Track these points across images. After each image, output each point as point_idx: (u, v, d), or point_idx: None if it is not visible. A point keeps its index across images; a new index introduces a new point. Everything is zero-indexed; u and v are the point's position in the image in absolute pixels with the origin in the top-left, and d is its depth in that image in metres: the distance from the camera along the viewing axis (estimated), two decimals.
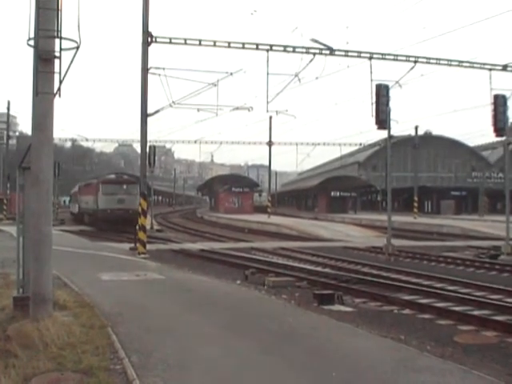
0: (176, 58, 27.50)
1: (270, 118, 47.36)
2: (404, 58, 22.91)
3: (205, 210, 77.00)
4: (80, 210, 46.39)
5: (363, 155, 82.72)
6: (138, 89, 20.83)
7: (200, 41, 21.41)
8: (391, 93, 21.43)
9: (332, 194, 63.99)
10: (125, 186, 38.24)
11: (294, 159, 74.14)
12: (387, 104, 20.96)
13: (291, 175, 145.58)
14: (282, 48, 21.79)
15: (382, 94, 21.07)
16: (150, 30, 20.63)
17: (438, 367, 6.45)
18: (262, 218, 47.77)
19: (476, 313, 11.00)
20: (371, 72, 22.15)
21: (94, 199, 38.86)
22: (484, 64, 23.78)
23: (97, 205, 37.98)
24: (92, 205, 39.43)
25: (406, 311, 11.47)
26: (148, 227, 25.45)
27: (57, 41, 7.95)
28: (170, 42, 21.06)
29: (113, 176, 41.96)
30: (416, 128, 52.01)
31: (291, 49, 21.80)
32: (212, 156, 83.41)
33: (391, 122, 21.64)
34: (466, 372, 6.34)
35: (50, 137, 8.20)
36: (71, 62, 7.95)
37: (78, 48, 7.93)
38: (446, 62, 23.46)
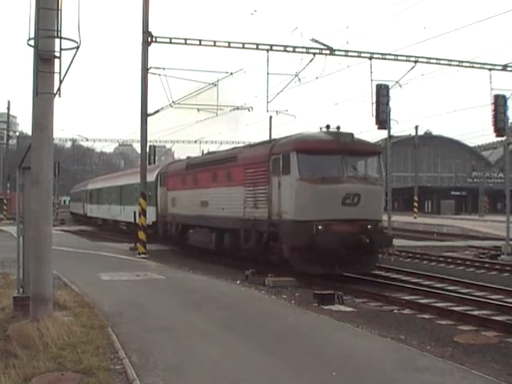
0: (176, 58, 27.65)
1: (270, 117, 47.07)
2: (404, 58, 22.87)
3: None
4: (171, 218, 24.08)
5: None
6: (138, 89, 20.89)
7: (200, 41, 21.40)
8: (391, 93, 21.49)
9: None
10: (350, 160, 15.36)
11: None
12: (387, 104, 20.99)
13: None
14: (282, 48, 21.76)
15: (382, 93, 21.10)
16: (150, 29, 20.65)
17: (438, 367, 6.44)
18: None
19: (476, 313, 11.01)
20: (371, 72, 22.10)
21: (264, 193, 16.06)
22: (484, 64, 23.74)
23: (281, 209, 15.22)
24: (252, 210, 16.77)
25: (406, 311, 11.47)
26: None
27: (57, 41, 7.95)
28: (170, 42, 21.06)
29: (323, 135, 15.66)
30: (416, 128, 51.93)
31: (291, 49, 21.77)
32: None
33: (391, 122, 21.71)
34: (466, 372, 6.33)
35: (50, 137, 8.20)
36: (71, 61, 7.96)
37: (78, 48, 7.93)
38: (446, 62, 23.42)
